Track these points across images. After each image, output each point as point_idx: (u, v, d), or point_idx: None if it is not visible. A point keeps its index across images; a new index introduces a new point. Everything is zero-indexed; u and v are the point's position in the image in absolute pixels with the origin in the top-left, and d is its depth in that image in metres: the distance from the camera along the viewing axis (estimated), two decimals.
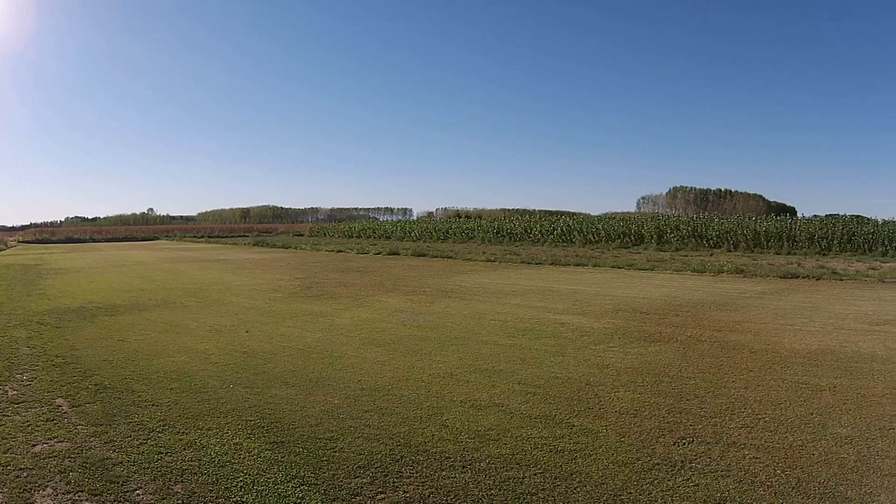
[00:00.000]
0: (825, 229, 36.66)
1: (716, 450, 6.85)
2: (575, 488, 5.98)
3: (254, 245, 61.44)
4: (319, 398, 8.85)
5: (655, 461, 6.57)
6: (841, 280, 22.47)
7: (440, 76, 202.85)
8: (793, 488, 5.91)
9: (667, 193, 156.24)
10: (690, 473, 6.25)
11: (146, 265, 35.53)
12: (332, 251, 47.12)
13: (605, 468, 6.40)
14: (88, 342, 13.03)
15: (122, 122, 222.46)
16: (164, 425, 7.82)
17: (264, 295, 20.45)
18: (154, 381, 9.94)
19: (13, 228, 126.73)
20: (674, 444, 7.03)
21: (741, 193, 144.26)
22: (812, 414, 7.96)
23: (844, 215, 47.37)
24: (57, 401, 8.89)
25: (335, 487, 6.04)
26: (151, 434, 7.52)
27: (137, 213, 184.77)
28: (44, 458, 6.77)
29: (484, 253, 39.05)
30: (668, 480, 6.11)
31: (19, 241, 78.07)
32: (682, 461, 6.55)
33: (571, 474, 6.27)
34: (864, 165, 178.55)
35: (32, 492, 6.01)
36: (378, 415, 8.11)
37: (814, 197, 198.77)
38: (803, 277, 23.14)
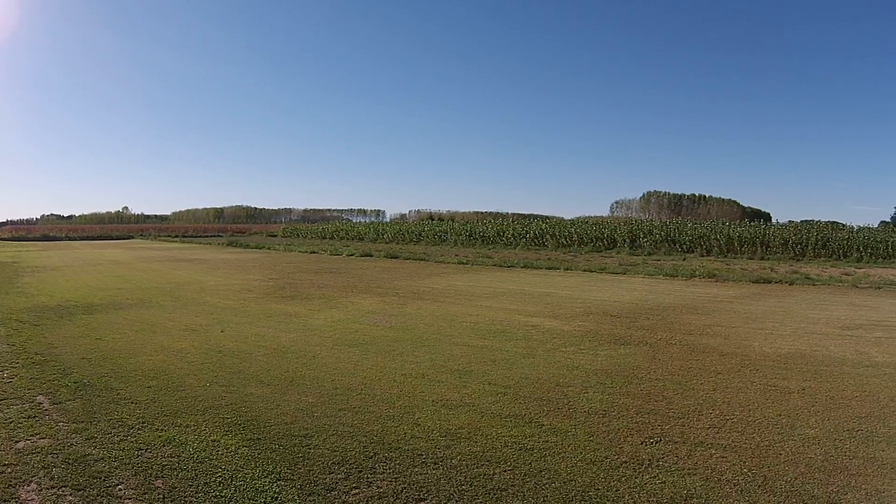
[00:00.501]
0: (800, 235, 37.17)
1: (683, 449, 7.02)
2: (544, 485, 6.13)
3: (228, 245, 61.23)
4: (294, 397, 8.97)
5: (623, 459, 6.74)
6: (814, 285, 22.70)
7: (414, 80, 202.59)
8: (759, 486, 6.07)
9: (640, 198, 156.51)
10: (657, 471, 6.42)
11: (122, 264, 35.36)
12: (306, 252, 47.07)
13: (573, 466, 6.56)
14: (67, 340, 13.06)
15: (97, 122, 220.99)
16: (143, 422, 7.92)
17: (239, 295, 20.51)
18: (132, 378, 10.02)
19: None
20: (641, 444, 7.19)
21: (715, 199, 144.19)
22: (780, 415, 8.14)
23: (819, 221, 47.70)
24: (38, 398, 8.95)
25: (311, 483, 6.17)
26: (131, 431, 7.61)
27: (112, 211, 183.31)
28: (27, 455, 6.84)
29: (456, 255, 39.41)
30: (636, 478, 6.27)
31: None
32: (650, 460, 6.72)
33: (541, 471, 6.43)
34: (839, 172, 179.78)
35: (17, 487, 6.09)
36: (352, 413, 8.25)
37: (789, 203, 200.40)
38: (776, 282, 23.40)
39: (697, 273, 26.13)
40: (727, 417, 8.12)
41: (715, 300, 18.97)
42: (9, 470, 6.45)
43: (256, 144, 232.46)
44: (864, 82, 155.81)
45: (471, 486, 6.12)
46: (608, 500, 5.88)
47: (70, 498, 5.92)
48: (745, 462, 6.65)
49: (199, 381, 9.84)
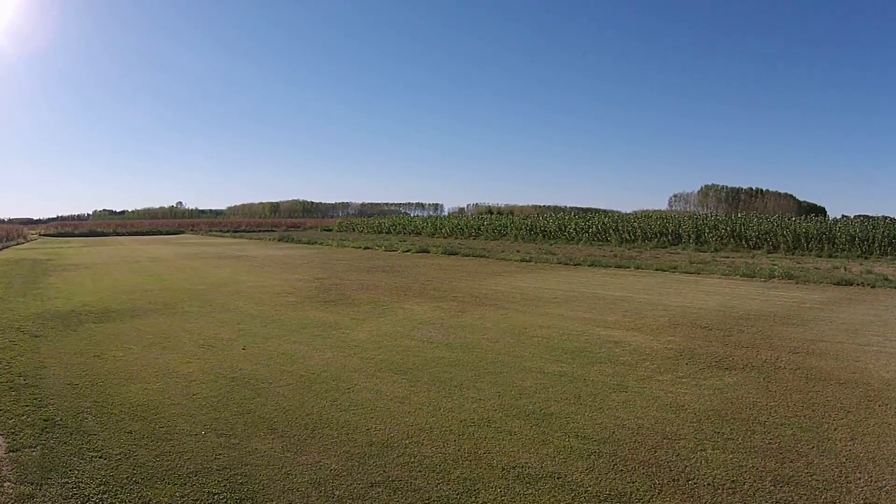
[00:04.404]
0: (866, 231, 36.03)
1: None
2: None
3: (278, 241, 60.80)
4: (312, 458, 6.70)
5: None
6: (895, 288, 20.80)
7: (471, 73, 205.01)
8: None
9: (698, 192, 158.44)
10: None
11: (161, 261, 34.52)
12: (359, 248, 45.87)
13: None
14: (61, 358, 11.43)
15: (152, 118, 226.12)
16: (104, 490, 6.00)
17: (276, 299, 18.74)
18: (114, 418, 8.14)
19: (39, 221, 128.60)
20: None
21: (772, 193, 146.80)
22: None
23: (877, 217, 48.52)
24: None
25: None
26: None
27: (166, 206, 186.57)
28: None
29: (518, 252, 37.78)
30: None
31: (40, 235, 78.04)
32: None
33: None
34: (893, 166, 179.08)
35: None
36: (388, 492, 5.98)
37: (843, 197, 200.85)
38: (857, 285, 21.59)
39: (776, 274, 24.26)
40: (880, 486, 6.16)
41: (803, 306, 16.92)
42: None
43: (314, 139, 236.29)
44: None
45: None
46: None
47: None
48: None
49: (194, 427, 7.76)
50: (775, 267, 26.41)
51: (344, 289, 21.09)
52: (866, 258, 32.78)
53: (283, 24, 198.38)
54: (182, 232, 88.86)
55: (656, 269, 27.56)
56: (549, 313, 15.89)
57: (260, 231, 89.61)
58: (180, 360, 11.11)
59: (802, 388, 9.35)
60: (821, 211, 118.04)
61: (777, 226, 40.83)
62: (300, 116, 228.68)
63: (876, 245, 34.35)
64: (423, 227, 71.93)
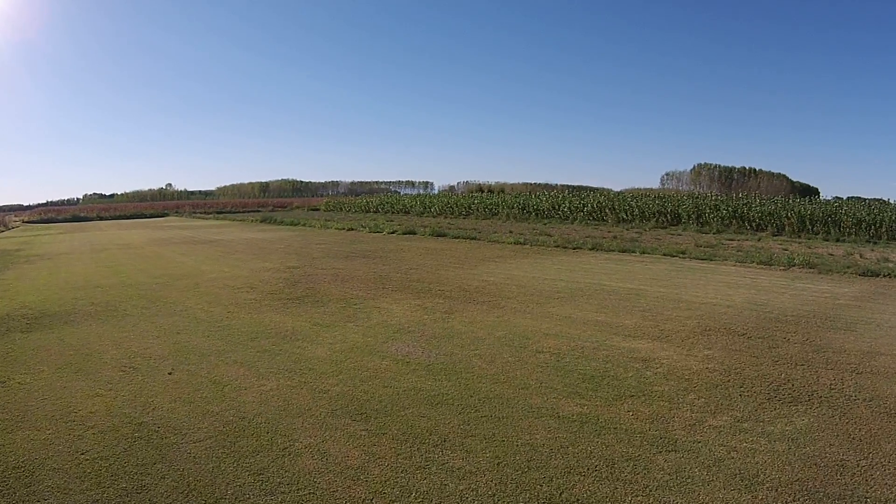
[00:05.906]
0: (873, 215, 34.67)
1: None
2: None
3: (261, 222, 59.02)
4: None
5: None
6: None
7: (461, 50, 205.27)
8: None
9: (691, 170, 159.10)
10: None
11: (129, 249, 32.53)
12: (343, 229, 43.71)
13: None
14: None
15: (142, 101, 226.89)
16: None
17: (234, 296, 16.45)
18: None
19: (28, 207, 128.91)
20: None
21: (765, 172, 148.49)
22: None
23: (871, 199, 47.01)
24: None
25: None
26: None
27: (155, 188, 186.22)
28: None
29: (511, 232, 36.12)
30: None
31: (23, 221, 77.10)
32: None
33: None
34: (886, 148, 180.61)
35: None
36: None
37: (836, 178, 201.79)
38: (884, 276, 19.49)
39: (796, 262, 22.20)
40: None
41: (838, 304, 14.69)
42: None
43: (303, 118, 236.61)
44: None
45: None
46: None
47: None
48: None
49: None
50: (793, 254, 24.43)
51: (315, 281, 18.96)
52: (875, 243, 31.30)
53: (272, 6, 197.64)
54: (166, 214, 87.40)
55: (664, 255, 25.46)
56: (554, 314, 13.52)
57: (245, 212, 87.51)
58: (88, 392, 8.80)
59: (889, 431, 7.12)
60: (814, 192, 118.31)
61: (781, 207, 39.49)
62: (290, 96, 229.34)
63: (884, 230, 33.10)
64: (411, 206, 70.46)
